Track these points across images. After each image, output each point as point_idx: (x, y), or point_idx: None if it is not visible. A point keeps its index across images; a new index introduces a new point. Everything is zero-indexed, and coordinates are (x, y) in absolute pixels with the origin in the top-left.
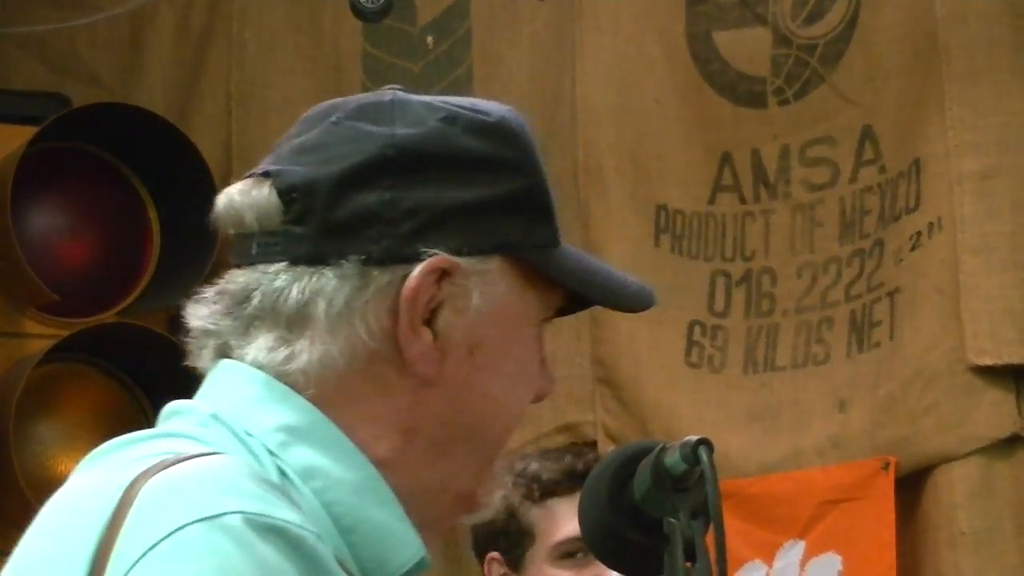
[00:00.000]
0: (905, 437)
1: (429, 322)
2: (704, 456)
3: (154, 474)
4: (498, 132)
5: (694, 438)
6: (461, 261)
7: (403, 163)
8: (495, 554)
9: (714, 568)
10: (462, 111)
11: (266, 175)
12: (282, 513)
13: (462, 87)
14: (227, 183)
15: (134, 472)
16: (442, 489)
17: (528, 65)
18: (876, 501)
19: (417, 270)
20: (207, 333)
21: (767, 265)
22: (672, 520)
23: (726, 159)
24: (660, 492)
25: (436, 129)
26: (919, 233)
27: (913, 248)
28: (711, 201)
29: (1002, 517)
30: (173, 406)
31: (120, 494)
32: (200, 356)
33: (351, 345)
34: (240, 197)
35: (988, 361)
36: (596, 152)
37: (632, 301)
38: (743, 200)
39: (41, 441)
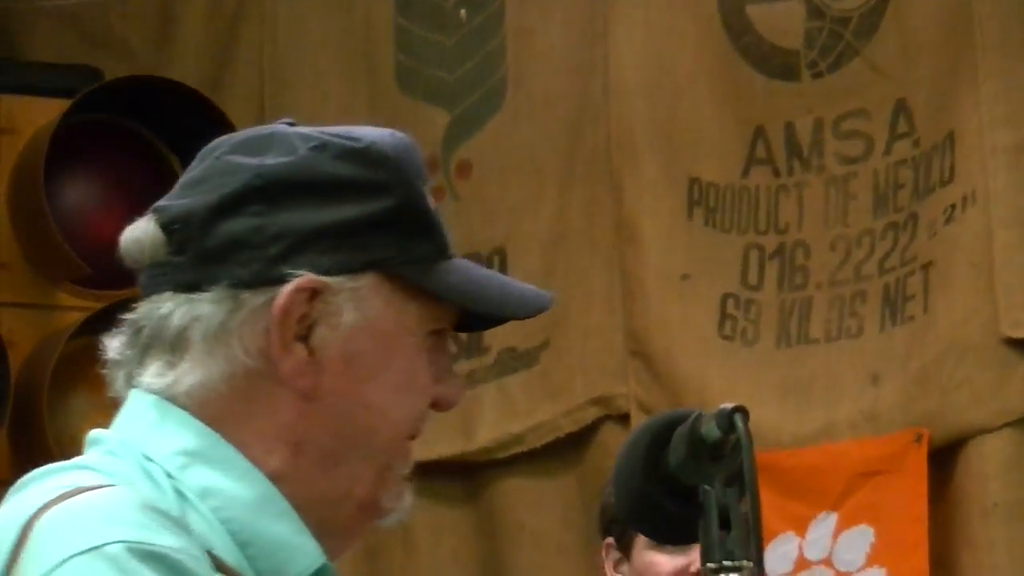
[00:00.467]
0: (938, 410)
1: (306, 338)
2: (740, 424)
3: (52, 507)
4: (367, 156)
5: (729, 406)
6: (330, 280)
7: (270, 191)
8: (610, 540)
9: (749, 536)
10: (333, 139)
11: (154, 211)
12: (163, 540)
13: (495, 61)
14: None
15: (38, 504)
16: (341, 498)
17: (561, 39)
18: (908, 474)
19: (283, 291)
20: (116, 364)
21: (800, 238)
22: (707, 488)
23: (759, 132)
24: (695, 461)
25: (305, 157)
26: (953, 206)
27: (947, 221)
28: (744, 174)
29: None
30: (93, 434)
31: (22, 526)
32: (116, 386)
33: (230, 365)
34: (133, 233)
35: (1021, 334)
36: (628, 126)
37: (517, 308)
38: (776, 173)
39: (75, 414)
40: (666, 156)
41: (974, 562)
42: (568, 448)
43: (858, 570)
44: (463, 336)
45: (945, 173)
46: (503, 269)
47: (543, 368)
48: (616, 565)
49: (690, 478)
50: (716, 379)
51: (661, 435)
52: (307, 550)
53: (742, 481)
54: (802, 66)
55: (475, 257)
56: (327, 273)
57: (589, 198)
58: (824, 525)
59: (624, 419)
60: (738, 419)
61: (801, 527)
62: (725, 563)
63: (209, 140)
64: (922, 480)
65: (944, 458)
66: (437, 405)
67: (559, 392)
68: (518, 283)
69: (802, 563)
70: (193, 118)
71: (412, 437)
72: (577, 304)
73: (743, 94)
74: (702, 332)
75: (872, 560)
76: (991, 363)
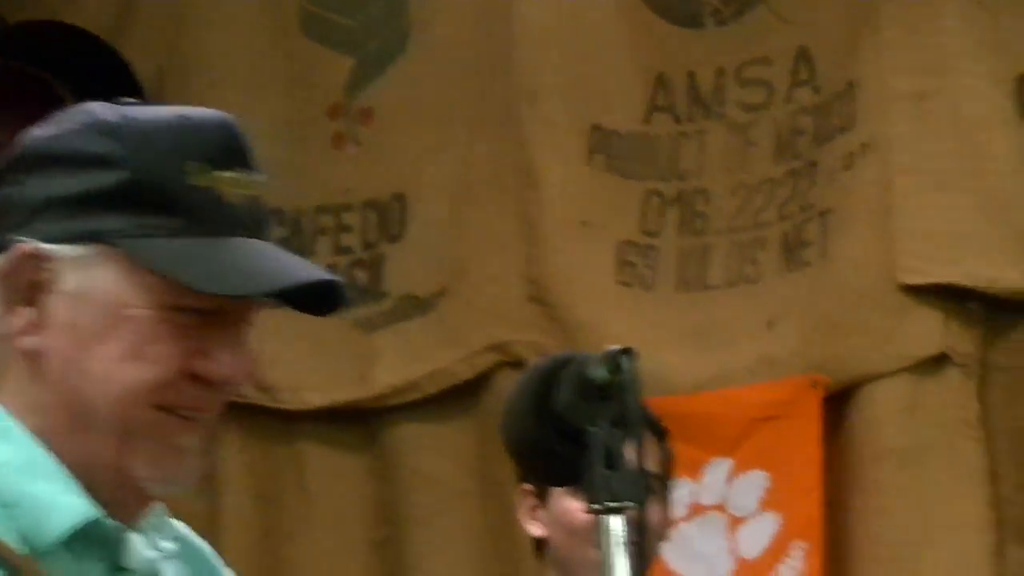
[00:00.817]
0: (834, 355)
1: (32, 301)
2: (626, 365)
3: None
4: (117, 132)
5: (616, 348)
6: (53, 247)
7: (27, 162)
8: (527, 486)
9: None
10: (106, 116)
11: None
12: None
13: (399, 7)
14: (163, 102)
15: None
16: (95, 463)
17: None
18: (803, 419)
19: (5, 255)
20: None
21: (701, 185)
22: (593, 429)
23: (662, 79)
24: (582, 402)
25: (68, 131)
26: (852, 154)
27: (846, 168)
28: (646, 121)
29: (927, 434)
30: None
31: None
32: None
33: None
34: None
35: (918, 280)
36: (533, 73)
37: (241, 286)
38: (678, 120)
39: None
40: (569, 103)
41: (866, 506)
42: (465, 395)
43: (752, 515)
44: (362, 281)
45: (845, 121)
46: (403, 216)
47: (441, 314)
48: (531, 511)
49: (577, 419)
50: (614, 325)
51: (550, 377)
52: (70, 508)
53: (628, 422)
54: (705, 14)
55: (374, 204)
56: (52, 241)
57: (492, 145)
58: (719, 470)
59: (521, 366)
60: (625, 360)
61: (696, 472)
62: (609, 503)
63: (112, 86)
64: (817, 425)
65: (839, 403)
66: (201, 379)
67: (457, 339)
68: (284, 262)
69: (697, 508)
70: (95, 64)
71: (161, 407)
72: (478, 251)
73: (646, 41)
74: (601, 278)
75: (766, 505)
76: (887, 309)
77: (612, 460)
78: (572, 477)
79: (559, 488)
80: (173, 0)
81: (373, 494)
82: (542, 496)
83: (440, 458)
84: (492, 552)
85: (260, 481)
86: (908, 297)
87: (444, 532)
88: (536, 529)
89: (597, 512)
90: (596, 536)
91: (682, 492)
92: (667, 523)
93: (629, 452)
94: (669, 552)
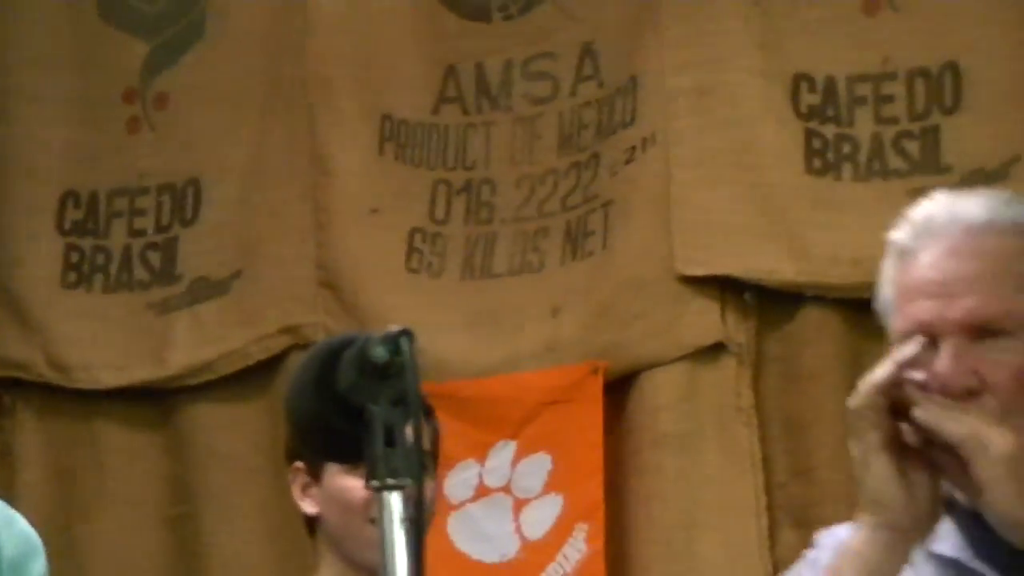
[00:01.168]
0: (615, 342)
1: None
2: (405, 346)
3: None
4: None
5: (396, 328)
6: None
7: None
8: (299, 464)
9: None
10: None
11: None
12: None
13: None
14: None
15: None
16: None
17: None
18: (585, 403)
19: None
20: None
21: (487, 175)
22: (374, 408)
23: (451, 71)
24: (364, 381)
25: None
26: (634, 148)
27: (628, 162)
28: (435, 111)
29: (704, 420)
30: None
31: None
32: None
33: None
34: None
35: (696, 271)
36: (325, 61)
37: None
38: (466, 111)
39: None
40: (360, 92)
41: (644, 489)
42: (258, 375)
43: (536, 496)
44: (156, 264)
45: (627, 115)
46: (197, 199)
47: (236, 296)
48: (304, 489)
49: (359, 398)
50: (402, 310)
51: (332, 356)
52: None
53: (407, 401)
54: (494, 8)
55: (168, 187)
56: None
57: (286, 131)
58: (504, 453)
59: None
60: (404, 341)
61: (482, 454)
62: (389, 480)
63: None
64: (598, 410)
65: (620, 389)
66: None
67: (251, 320)
68: None
69: (483, 490)
70: None
71: None
72: (271, 235)
73: (436, 34)
74: (390, 264)
75: (550, 487)
76: (666, 298)
77: (392, 438)
78: (353, 454)
79: (335, 466)
80: None
81: (168, 472)
82: (315, 474)
83: (233, 437)
84: (283, 527)
85: (56, 459)
86: (686, 287)
87: (237, 508)
88: (309, 507)
89: (377, 489)
90: (376, 512)
91: (469, 474)
92: (436, 499)
93: (408, 431)
94: (456, 532)
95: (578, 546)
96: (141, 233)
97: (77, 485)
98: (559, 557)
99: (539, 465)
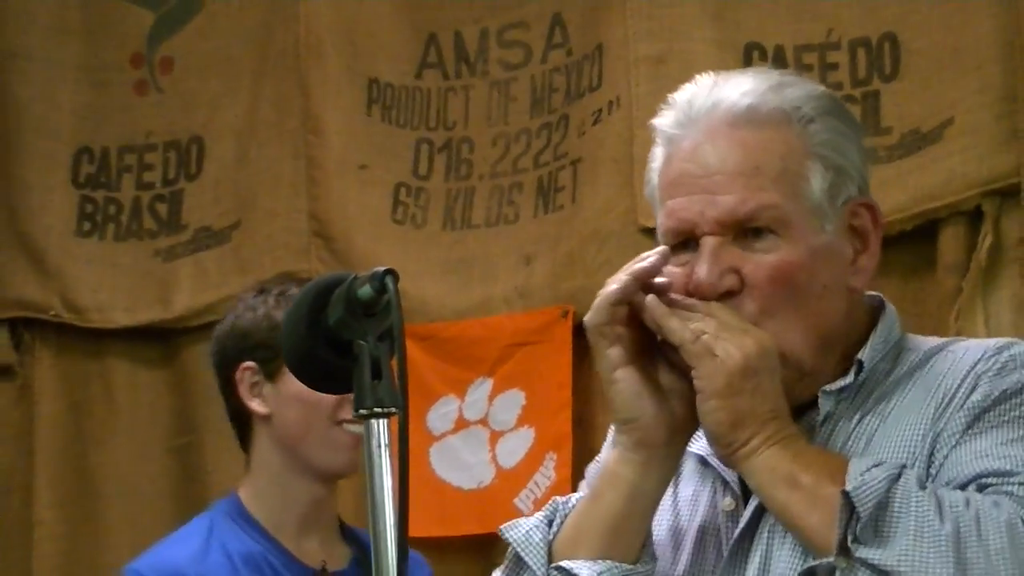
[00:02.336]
0: (583, 288)
1: None
2: (390, 284)
3: None
4: None
5: (382, 269)
6: None
7: None
8: (250, 363)
9: (395, 383)
10: None
11: None
12: None
13: None
14: None
15: None
16: None
17: None
18: (556, 345)
19: None
20: None
21: (466, 135)
22: (361, 342)
23: (432, 39)
24: (352, 318)
25: None
26: (600, 110)
27: (595, 123)
28: (417, 76)
29: None
30: None
31: None
32: None
33: None
34: None
35: (655, 223)
36: (316, 29)
37: None
38: (446, 76)
39: None
40: (348, 57)
41: (607, 423)
42: None
43: (510, 429)
44: (162, 214)
45: (594, 80)
46: (200, 156)
47: (235, 245)
48: (253, 388)
49: (347, 333)
50: (388, 258)
51: (322, 294)
52: None
53: (392, 336)
54: None
55: (174, 145)
56: None
57: (279, 93)
58: (481, 389)
59: None
60: (389, 280)
61: (461, 390)
62: (376, 409)
63: None
64: (567, 350)
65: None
66: None
67: (249, 267)
68: None
69: (461, 422)
70: None
71: None
72: (266, 189)
73: (419, 4)
74: (377, 216)
75: (522, 420)
76: (628, 248)
77: (377, 370)
78: (342, 384)
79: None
80: None
81: (172, 405)
82: (270, 375)
83: None
84: None
85: (71, 392)
86: (646, 237)
87: (233, 438)
88: (259, 406)
89: (364, 417)
90: (364, 438)
91: (449, 408)
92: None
93: (391, 364)
94: (437, 462)
95: (548, 474)
96: (149, 186)
97: (90, 416)
98: (530, 484)
99: (513, 401)
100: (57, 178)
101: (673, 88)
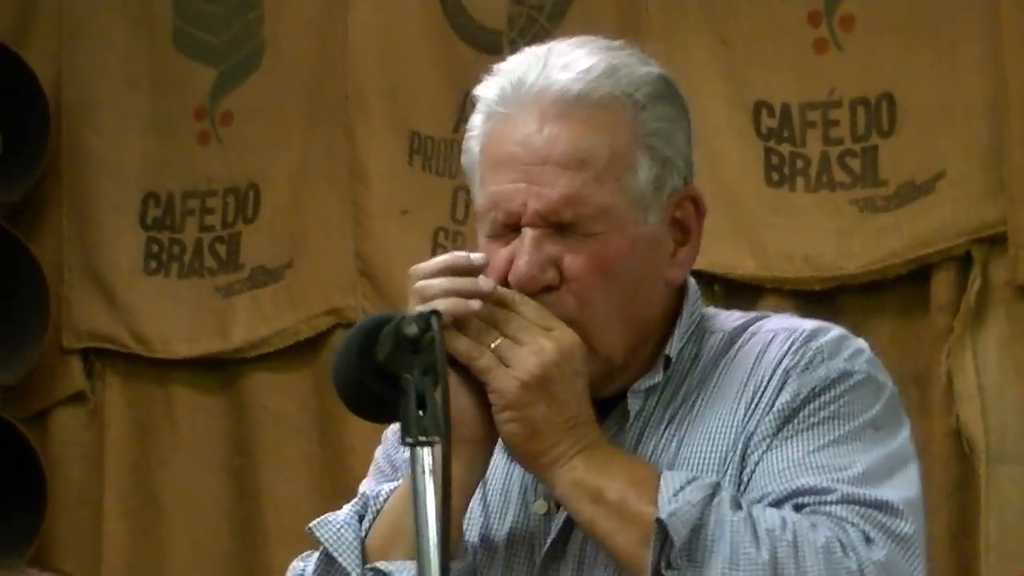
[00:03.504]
0: None
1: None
2: (434, 324)
3: None
4: None
5: (428, 310)
6: None
7: None
8: None
9: (439, 414)
10: None
11: None
12: None
13: (255, 28)
14: (58, 101)
15: None
16: None
17: (309, 10)
18: None
19: None
20: None
21: None
22: (408, 376)
23: (468, 96)
24: (399, 353)
25: None
26: None
27: None
28: (455, 130)
29: None
30: None
31: None
32: None
33: None
34: None
35: None
36: (363, 85)
37: None
38: None
39: None
40: (392, 111)
41: None
42: (306, 349)
43: None
44: (222, 254)
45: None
46: (257, 201)
47: (288, 283)
48: None
49: (395, 368)
50: None
51: (372, 332)
52: None
53: (436, 371)
54: (504, 43)
55: (233, 191)
56: None
57: (329, 143)
58: None
59: (352, 326)
60: (433, 320)
61: None
62: (420, 437)
63: (13, 87)
64: None
65: None
66: None
67: (300, 303)
68: None
69: None
70: (2, 68)
71: None
72: (317, 231)
73: (456, 63)
74: (417, 257)
75: None
76: None
77: (422, 402)
78: (389, 415)
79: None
80: (67, 14)
81: (230, 429)
82: None
83: (284, 400)
84: (325, 476)
85: (137, 416)
86: None
87: (287, 460)
88: None
89: (411, 445)
90: (410, 464)
91: None
92: None
93: (435, 396)
94: None
95: None
96: (210, 228)
97: (154, 438)
98: None
99: None
100: (126, 220)
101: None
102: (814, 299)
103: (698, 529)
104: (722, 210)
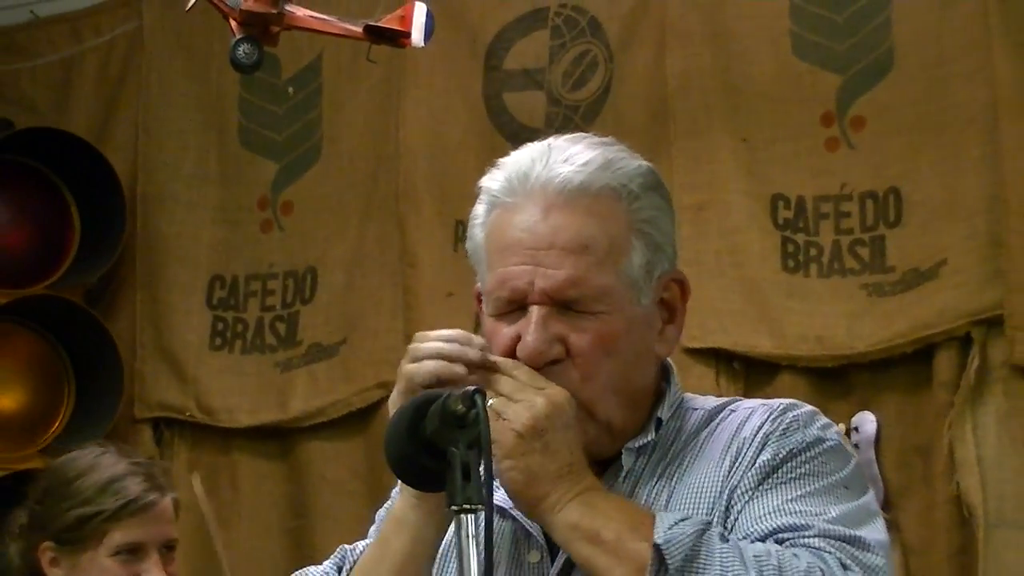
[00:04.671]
0: None
1: None
2: (479, 401)
3: None
4: None
5: (472, 388)
6: None
7: None
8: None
9: (483, 486)
10: None
11: None
12: None
13: (314, 126)
14: (134, 192)
15: None
16: None
17: (364, 111)
18: None
19: None
20: None
21: None
22: (453, 450)
23: None
24: (446, 428)
25: None
26: None
27: None
28: None
29: None
30: None
31: None
32: None
33: None
34: None
35: (696, 345)
36: (412, 178)
37: None
38: None
39: None
40: (439, 203)
41: None
42: (358, 419)
43: None
44: (282, 332)
45: (674, 222)
46: (314, 284)
47: (342, 359)
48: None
49: (442, 442)
50: None
51: (421, 409)
52: None
53: (479, 445)
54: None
55: (292, 274)
56: None
57: (381, 231)
58: None
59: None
60: (478, 398)
61: None
62: (465, 505)
63: (95, 178)
64: None
65: None
66: None
67: (353, 377)
68: None
69: None
70: (83, 161)
71: None
72: (369, 311)
73: (498, 158)
74: None
75: None
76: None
77: (467, 473)
78: (437, 485)
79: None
80: (144, 114)
81: (288, 493)
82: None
83: (338, 466)
84: None
85: (203, 481)
86: (689, 357)
87: (340, 522)
88: None
89: (456, 512)
90: (455, 530)
91: None
92: None
93: (479, 468)
94: None
95: None
96: (271, 308)
97: (218, 501)
98: None
99: None
100: (195, 301)
101: (711, 231)
102: (826, 376)
103: (691, 557)
104: (743, 294)
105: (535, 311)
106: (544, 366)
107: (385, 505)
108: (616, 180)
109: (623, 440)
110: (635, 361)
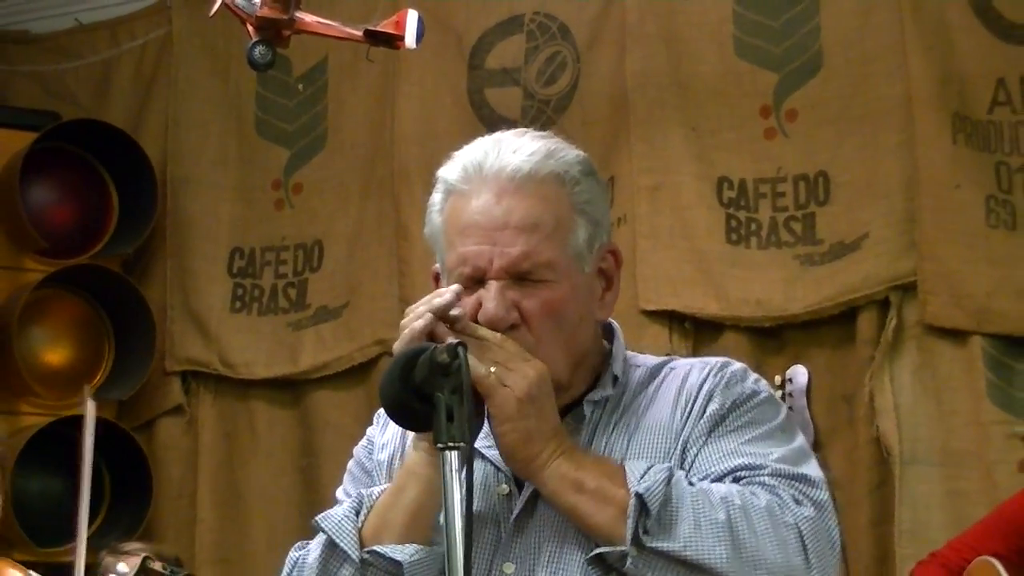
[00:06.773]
0: None
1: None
2: (461, 353)
3: None
4: None
5: (455, 341)
6: None
7: None
8: None
9: (465, 425)
10: None
11: None
12: None
13: (320, 118)
14: (164, 175)
15: None
16: None
17: (364, 104)
18: None
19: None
20: None
21: None
22: (439, 395)
23: None
24: (432, 377)
25: None
26: (613, 224)
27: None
28: None
29: None
30: None
31: None
32: None
33: None
34: None
35: (651, 307)
36: (406, 163)
37: None
38: None
39: (35, 342)
40: (429, 184)
41: None
42: (359, 372)
43: None
44: (293, 297)
45: (609, 202)
46: (321, 254)
47: (345, 320)
48: None
49: (428, 388)
50: None
51: (411, 359)
52: None
53: (462, 391)
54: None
55: (302, 246)
56: None
57: (378, 209)
58: None
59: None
60: (461, 350)
61: None
62: (449, 443)
63: (131, 164)
64: None
65: None
66: None
67: (355, 335)
68: None
69: None
70: (120, 148)
71: None
72: (368, 279)
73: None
74: None
75: None
76: (632, 326)
77: (450, 415)
78: (425, 425)
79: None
80: (172, 107)
81: (299, 436)
82: None
83: (342, 413)
84: None
85: (225, 425)
86: (646, 318)
87: (344, 462)
88: None
89: (440, 449)
90: (439, 466)
91: None
92: None
93: (461, 410)
94: None
95: None
96: (283, 276)
97: (238, 444)
98: None
99: None
100: (217, 270)
101: (664, 208)
102: (765, 334)
103: (665, 502)
104: (692, 263)
105: (493, 284)
106: (504, 331)
107: (361, 443)
108: (559, 167)
109: (568, 395)
110: (579, 324)
